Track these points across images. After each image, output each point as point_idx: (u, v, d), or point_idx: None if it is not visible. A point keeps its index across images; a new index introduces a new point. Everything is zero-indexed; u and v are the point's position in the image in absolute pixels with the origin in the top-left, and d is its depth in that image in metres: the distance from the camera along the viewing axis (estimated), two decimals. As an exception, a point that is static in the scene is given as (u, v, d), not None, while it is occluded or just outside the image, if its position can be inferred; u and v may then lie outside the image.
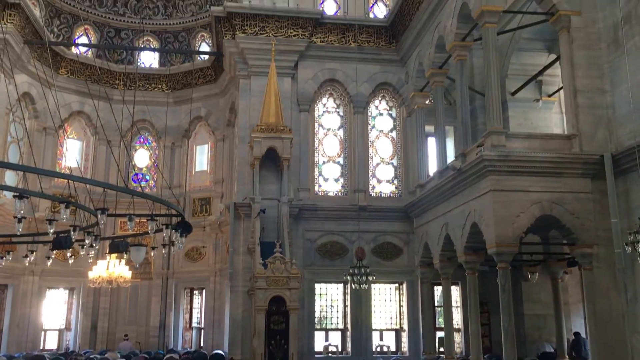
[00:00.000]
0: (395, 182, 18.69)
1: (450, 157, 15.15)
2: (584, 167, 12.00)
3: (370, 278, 14.73)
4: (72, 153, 20.62)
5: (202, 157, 22.00)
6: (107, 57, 21.96)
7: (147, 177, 22.28)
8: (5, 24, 16.98)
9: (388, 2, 19.37)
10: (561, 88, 14.32)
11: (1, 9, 16.95)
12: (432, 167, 16.83)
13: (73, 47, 21.03)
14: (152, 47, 22.45)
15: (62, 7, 20.77)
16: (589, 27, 12.65)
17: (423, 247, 16.44)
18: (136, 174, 21.90)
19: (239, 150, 17.97)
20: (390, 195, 18.56)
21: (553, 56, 14.82)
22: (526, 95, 15.65)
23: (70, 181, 8.62)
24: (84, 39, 21.70)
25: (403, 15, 17.63)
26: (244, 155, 17.65)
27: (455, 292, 17.46)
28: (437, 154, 15.83)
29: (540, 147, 12.24)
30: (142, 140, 22.23)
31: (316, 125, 18.68)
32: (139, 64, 22.35)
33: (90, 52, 21.81)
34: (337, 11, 19.35)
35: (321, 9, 18.93)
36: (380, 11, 19.38)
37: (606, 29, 12.50)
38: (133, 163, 21.78)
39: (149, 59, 22.75)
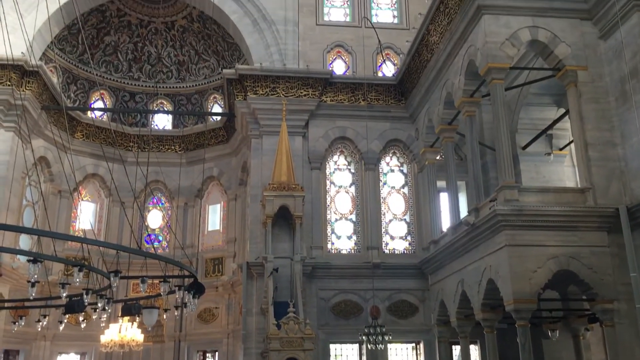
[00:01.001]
0: (409, 238, 18.54)
1: (463, 212, 15.07)
2: (599, 221, 11.87)
3: (386, 338, 14.41)
4: (86, 215, 20.77)
5: (214, 217, 22.06)
6: (121, 120, 22.45)
7: (160, 238, 22.31)
8: (24, 91, 17.49)
9: (396, 61, 19.76)
10: (572, 141, 14.36)
11: (20, 76, 17.50)
12: (445, 223, 16.70)
13: (89, 112, 21.53)
14: (166, 109, 22.94)
15: (79, 74, 21.41)
16: (596, 82, 12.80)
17: (439, 305, 16.14)
18: (149, 235, 21.94)
19: (251, 209, 18.00)
20: (404, 252, 18.36)
21: (562, 110, 14.93)
22: (537, 149, 15.69)
23: (83, 244, 8.64)
24: (99, 104, 22.24)
25: (411, 74, 17.95)
26: (256, 214, 17.66)
27: (474, 351, 16.99)
28: (449, 209, 15.75)
29: (554, 200, 12.17)
30: (155, 201, 22.39)
31: (328, 182, 18.75)
32: (152, 126, 22.78)
33: (105, 116, 22.32)
34: (346, 71, 19.73)
35: (331, 69, 19.31)
36: (388, 70, 19.74)
37: (613, 83, 12.63)
38: (146, 224, 21.86)
39: (162, 121, 23.21)
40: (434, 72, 16.55)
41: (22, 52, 16.57)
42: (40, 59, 18.75)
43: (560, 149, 15.88)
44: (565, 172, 15.92)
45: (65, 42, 20.55)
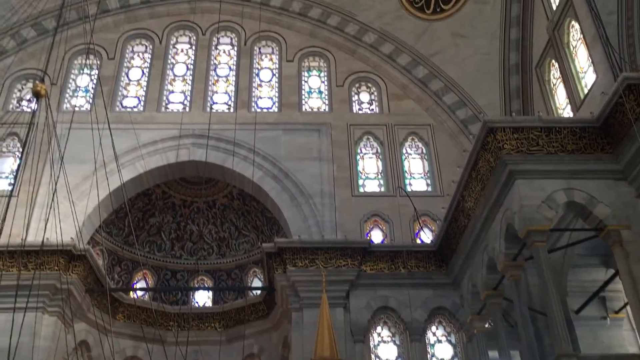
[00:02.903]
0: (464, 416, 17.11)
1: (521, 384, 13.99)
2: (672, 389, 10.84)
3: None
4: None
5: (254, 399, 20.97)
6: (162, 298, 22.56)
7: None
8: (70, 275, 17.94)
9: (433, 228, 19.81)
10: (627, 304, 13.63)
11: (67, 261, 18.05)
12: (503, 397, 15.45)
13: (131, 292, 21.78)
14: (206, 286, 23.06)
15: (123, 255, 22.06)
16: (642, 240, 12.46)
17: None
18: (186, 421, 20.80)
19: (293, 389, 17.12)
20: None
21: (611, 271, 14.39)
22: (591, 313, 14.87)
23: None
24: (142, 283, 22.56)
25: (450, 240, 17.88)
26: (299, 394, 16.74)
27: None
28: (505, 382, 14.67)
29: (618, 369, 11.27)
30: (193, 384, 21.57)
31: (372, 356, 17.84)
32: (193, 303, 22.75)
33: (147, 296, 22.50)
34: (384, 239, 19.81)
35: (368, 238, 19.45)
36: (426, 237, 19.74)
37: (660, 240, 12.27)
38: (183, 409, 20.84)
39: (203, 298, 23.19)
40: (472, 237, 16.45)
41: (71, 238, 17.25)
42: (88, 242, 19.49)
43: (616, 312, 15.02)
44: (625, 337, 14.87)
45: (113, 226, 21.50)
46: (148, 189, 21.45)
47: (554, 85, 18.18)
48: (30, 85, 21.85)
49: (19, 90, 22.35)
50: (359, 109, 22.84)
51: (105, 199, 18.70)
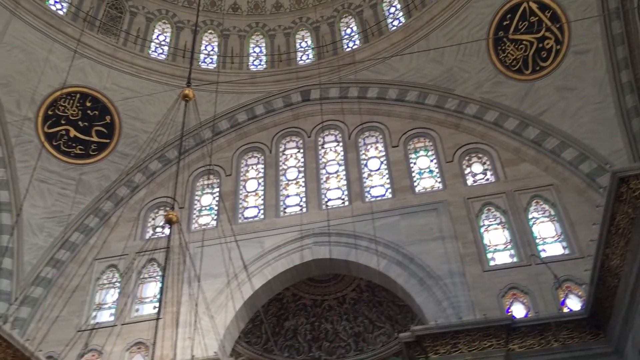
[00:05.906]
0: None
1: None
2: None
3: None
4: None
5: None
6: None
7: None
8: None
9: (580, 293, 18.32)
10: None
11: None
12: None
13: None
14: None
15: (264, 362, 22.39)
16: None
17: None
18: None
19: None
20: None
21: None
22: None
23: None
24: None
25: (601, 303, 16.39)
26: None
27: None
28: None
29: None
30: None
31: None
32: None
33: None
34: (527, 313, 18.54)
35: (510, 313, 18.31)
36: (574, 303, 18.24)
37: None
38: None
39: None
40: (627, 297, 15.00)
41: (214, 352, 17.79)
42: (231, 354, 19.92)
43: None
44: None
45: (251, 334, 22.01)
46: (279, 294, 21.86)
47: (683, 120, 16.88)
48: (161, 212, 23.58)
49: (152, 219, 24.18)
50: (474, 181, 22.29)
51: (241, 310, 19.26)
